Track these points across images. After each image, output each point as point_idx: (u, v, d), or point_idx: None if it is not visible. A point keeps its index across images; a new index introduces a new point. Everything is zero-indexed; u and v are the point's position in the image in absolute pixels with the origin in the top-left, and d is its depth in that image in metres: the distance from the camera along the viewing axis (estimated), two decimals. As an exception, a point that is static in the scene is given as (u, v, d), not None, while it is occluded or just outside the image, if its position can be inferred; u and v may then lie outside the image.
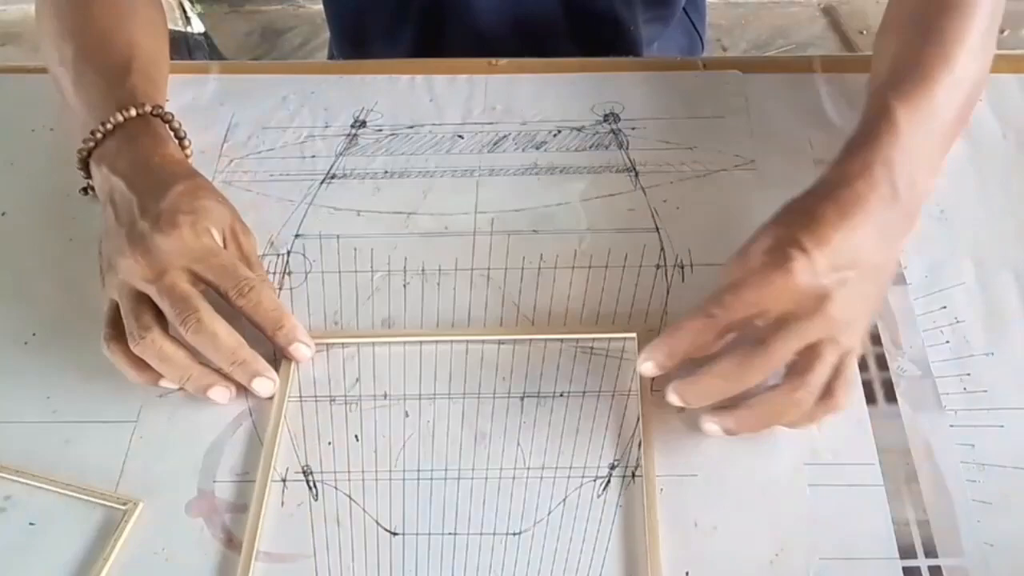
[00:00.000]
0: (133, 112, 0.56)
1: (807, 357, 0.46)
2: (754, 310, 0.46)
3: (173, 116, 0.59)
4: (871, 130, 0.51)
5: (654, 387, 0.52)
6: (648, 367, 0.48)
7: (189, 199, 0.52)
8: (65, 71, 0.61)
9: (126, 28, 0.61)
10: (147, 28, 0.63)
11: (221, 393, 0.51)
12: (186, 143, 0.60)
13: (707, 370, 0.46)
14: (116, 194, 0.54)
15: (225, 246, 0.53)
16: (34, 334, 0.56)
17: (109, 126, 0.56)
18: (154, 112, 0.57)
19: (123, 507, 0.49)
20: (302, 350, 0.53)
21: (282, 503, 0.49)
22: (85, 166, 0.58)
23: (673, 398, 0.48)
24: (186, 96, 0.68)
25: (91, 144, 0.57)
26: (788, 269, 0.46)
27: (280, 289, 0.58)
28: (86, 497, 0.49)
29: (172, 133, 0.59)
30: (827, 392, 0.47)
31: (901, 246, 0.52)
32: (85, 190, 0.62)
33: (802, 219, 0.48)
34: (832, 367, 0.46)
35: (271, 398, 0.52)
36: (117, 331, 0.51)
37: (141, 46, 0.61)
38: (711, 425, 0.48)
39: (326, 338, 0.55)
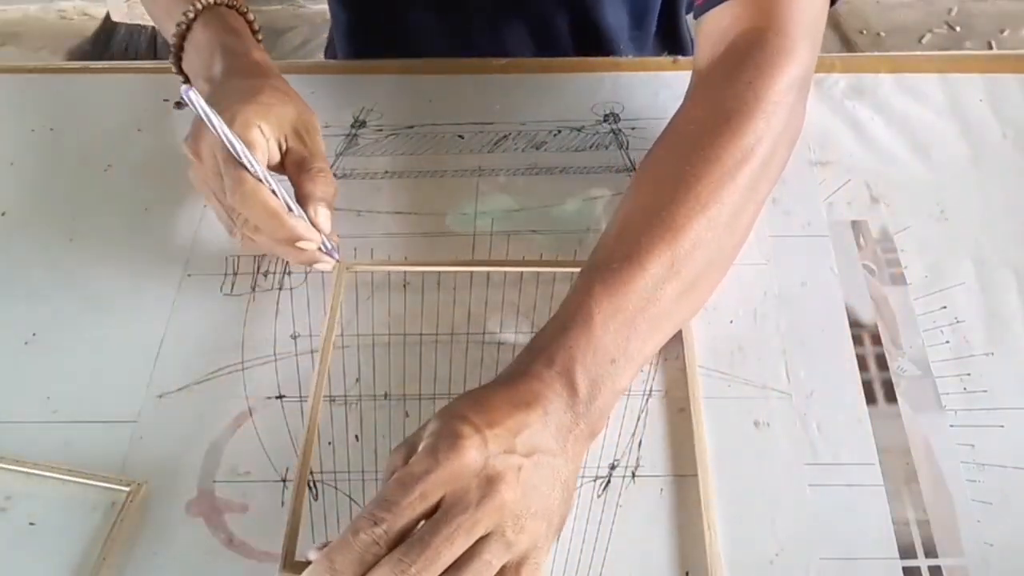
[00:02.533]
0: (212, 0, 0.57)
1: (467, 554, 0.39)
2: (426, 504, 0.39)
3: (247, 8, 0.59)
4: (566, 319, 0.46)
5: (653, 388, 0.53)
6: None
7: (248, 95, 0.52)
8: None
9: None
10: None
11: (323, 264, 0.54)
12: (258, 32, 0.60)
13: None
14: (200, 80, 0.57)
15: (287, 144, 0.53)
16: (34, 334, 0.56)
17: (191, 14, 0.57)
18: (230, 4, 0.58)
19: (127, 488, 0.49)
20: (319, 266, 0.54)
21: (282, 503, 0.49)
22: (178, 61, 0.60)
23: None
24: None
25: (182, 29, 0.58)
26: (458, 446, 0.40)
27: (280, 289, 0.58)
28: (89, 482, 0.49)
29: (247, 24, 0.59)
30: None
31: (580, 453, 0.45)
32: (179, 104, 0.64)
33: (472, 402, 0.43)
34: (491, 568, 0.40)
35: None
36: None
37: None
38: None
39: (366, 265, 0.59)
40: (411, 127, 0.68)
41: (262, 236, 0.52)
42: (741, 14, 0.54)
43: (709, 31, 0.56)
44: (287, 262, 0.59)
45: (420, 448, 0.41)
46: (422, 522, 0.40)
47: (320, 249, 0.53)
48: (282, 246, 0.52)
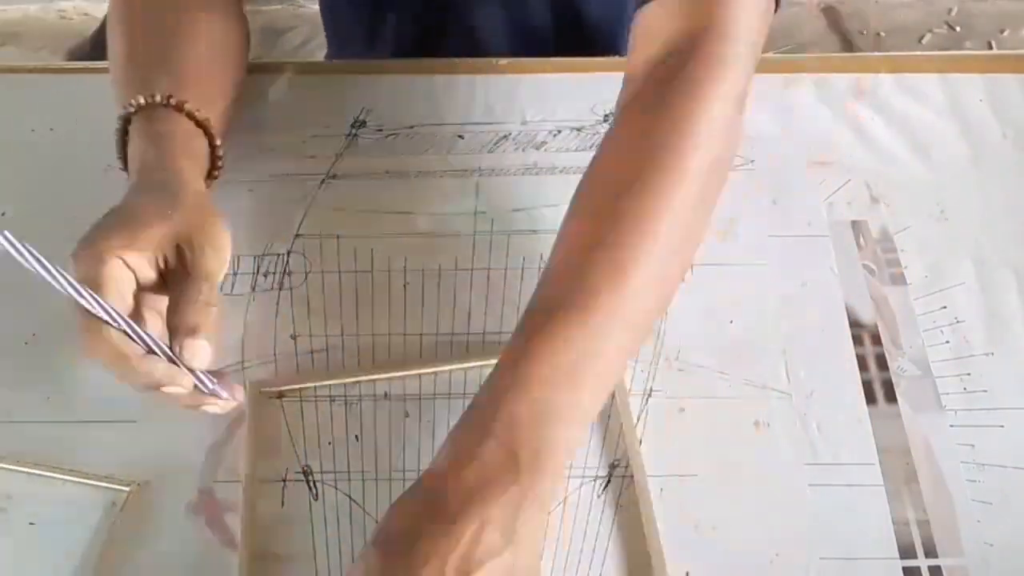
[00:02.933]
0: (142, 100, 0.53)
1: None
2: None
3: (197, 108, 0.54)
4: (503, 380, 0.43)
5: (653, 388, 0.53)
6: None
7: (120, 219, 0.48)
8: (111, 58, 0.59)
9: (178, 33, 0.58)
10: (200, 38, 0.59)
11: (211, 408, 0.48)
12: (212, 131, 0.55)
13: None
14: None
15: (166, 265, 0.47)
16: (34, 334, 0.56)
17: (131, 108, 0.54)
18: (165, 103, 0.53)
19: (127, 488, 0.49)
20: (209, 409, 0.48)
21: (282, 503, 0.49)
22: (123, 148, 0.56)
23: None
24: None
25: (121, 124, 0.55)
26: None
27: (280, 289, 0.58)
28: (89, 482, 0.49)
29: (188, 117, 0.54)
30: None
31: (535, 529, 0.41)
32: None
33: (397, 544, 0.40)
34: None
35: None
36: None
37: (183, 49, 0.58)
38: None
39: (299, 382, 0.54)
40: (411, 127, 0.68)
41: (127, 382, 0.45)
42: (677, 13, 0.50)
43: (643, 29, 0.52)
44: (287, 262, 0.59)
45: None
46: None
47: (202, 390, 0.47)
48: (151, 393, 0.45)
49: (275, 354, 0.55)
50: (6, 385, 0.54)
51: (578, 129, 0.67)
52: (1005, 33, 1.98)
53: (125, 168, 0.55)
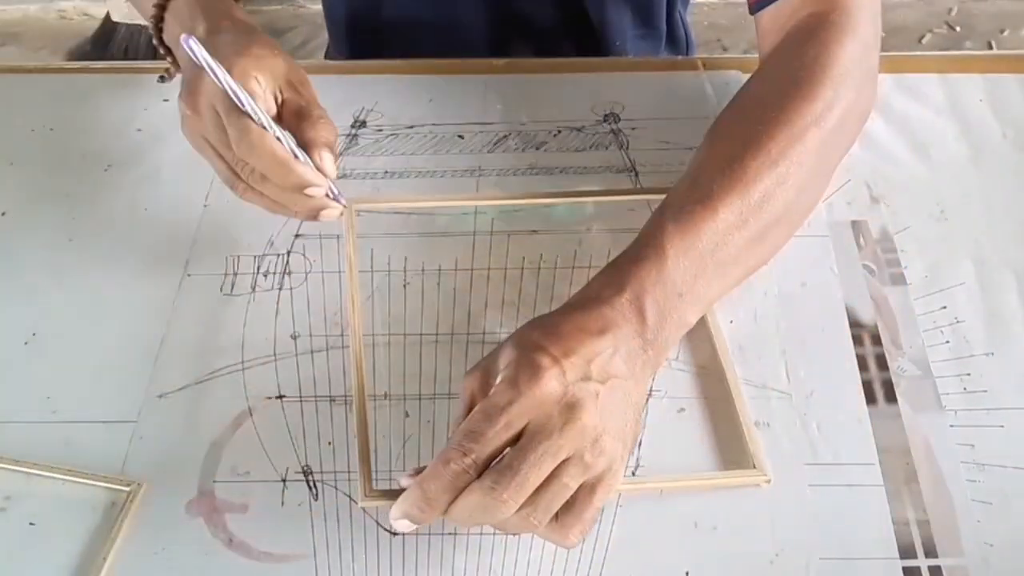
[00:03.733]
0: None
1: (547, 477, 0.42)
2: (511, 432, 0.42)
3: None
4: (639, 251, 0.49)
5: (653, 388, 0.53)
6: (403, 525, 0.43)
7: (239, 49, 0.52)
8: None
9: None
10: None
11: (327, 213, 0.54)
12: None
13: (456, 504, 0.42)
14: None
15: (282, 95, 0.54)
16: (34, 334, 0.56)
17: None
18: None
19: (127, 488, 0.49)
20: (326, 213, 0.54)
21: (282, 503, 0.49)
22: (159, 32, 0.60)
23: (402, 525, 0.43)
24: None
25: (159, 4, 0.58)
26: (538, 376, 0.42)
27: (280, 289, 0.58)
28: (89, 482, 0.49)
29: None
30: (558, 518, 0.43)
31: (647, 378, 0.47)
32: (162, 77, 0.64)
33: (545, 331, 0.45)
34: (568, 490, 0.42)
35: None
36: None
37: None
38: (403, 523, 0.43)
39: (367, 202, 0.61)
40: (411, 127, 0.68)
41: (269, 186, 0.52)
42: (801, 4, 0.57)
43: (769, 26, 0.59)
44: (287, 262, 0.59)
45: (500, 378, 0.43)
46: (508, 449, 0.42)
47: (327, 195, 0.53)
48: (289, 194, 0.52)
49: (275, 354, 0.55)
50: (6, 385, 0.54)
51: (578, 129, 0.67)
52: (1005, 33, 1.98)
53: (162, 44, 0.60)
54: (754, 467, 0.49)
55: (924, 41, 1.98)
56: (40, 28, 2.10)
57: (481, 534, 0.47)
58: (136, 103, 0.70)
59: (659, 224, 0.49)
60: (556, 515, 0.43)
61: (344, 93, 0.70)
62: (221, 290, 0.58)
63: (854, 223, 0.61)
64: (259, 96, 0.52)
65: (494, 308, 0.56)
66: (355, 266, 0.58)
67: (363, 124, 0.68)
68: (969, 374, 0.53)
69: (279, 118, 0.53)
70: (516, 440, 0.42)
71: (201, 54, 0.47)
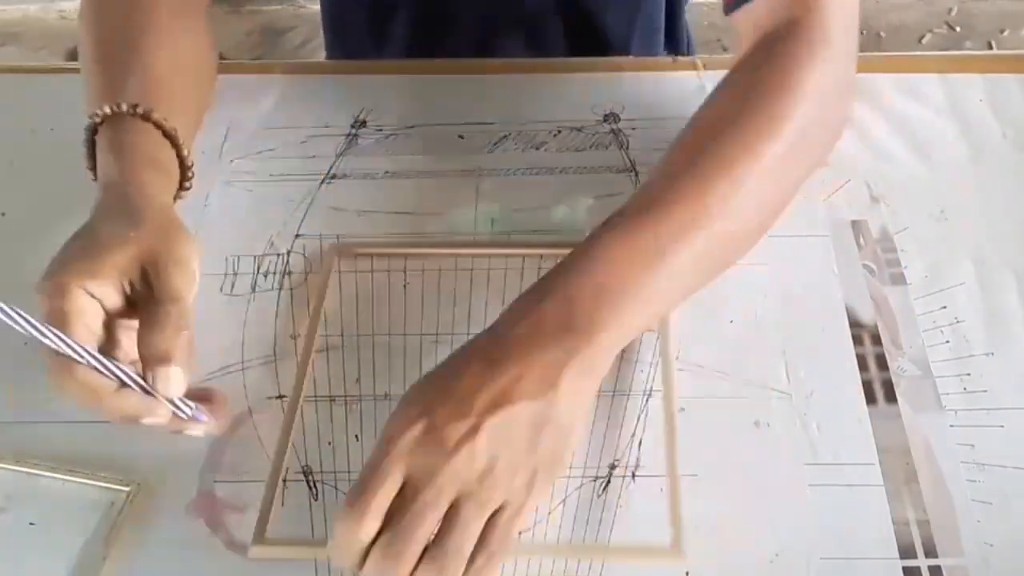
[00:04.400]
0: (108, 110, 0.52)
1: (445, 521, 0.41)
2: (393, 484, 0.41)
3: (164, 119, 0.53)
4: (568, 262, 0.47)
5: (653, 388, 0.53)
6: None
7: (85, 243, 0.48)
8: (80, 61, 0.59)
9: (142, 37, 0.58)
10: (165, 42, 0.58)
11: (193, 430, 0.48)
12: (179, 142, 0.54)
13: (363, 570, 0.41)
14: None
15: (132, 289, 0.46)
16: (34, 334, 0.56)
17: (97, 119, 0.53)
18: (132, 112, 0.53)
19: (127, 488, 0.49)
20: (191, 432, 0.48)
21: (282, 503, 0.49)
22: (92, 159, 0.55)
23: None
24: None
25: (88, 135, 0.54)
26: (405, 425, 0.42)
27: (280, 289, 0.58)
28: (89, 482, 0.49)
29: (156, 127, 0.53)
30: (476, 560, 0.42)
31: (581, 388, 0.44)
32: None
33: (423, 380, 0.44)
34: (472, 529, 0.41)
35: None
36: None
37: (150, 55, 0.57)
38: None
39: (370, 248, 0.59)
40: (411, 127, 0.68)
41: (108, 417, 0.45)
42: (776, 6, 0.54)
43: (743, 28, 0.56)
44: (287, 262, 0.59)
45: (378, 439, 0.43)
46: None
47: (181, 416, 0.46)
48: (131, 424, 0.45)
49: (275, 354, 0.55)
50: (6, 385, 0.54)
51: (578, 129, 0.67)
52: (1005, 33, 1.98)
53: (95, 177, 0.54)
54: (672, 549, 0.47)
55: (924, 41, 1.98)
56: (40, 28, 2.10)
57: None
58: (136, 103, 0.70)
59: (594, 235, 0.48)
60: (473, 556, 0.41)
61: (344, 93, 0.70)
62: (221, 290, 0.58)
63: (854, 223, 0.61)
64: (81, 312, 0.44)
65: (494, 308, 0.56)
66: (318, 312, 0.56)
67: (363, 124, 0.68)
68: (969, 374, 0.53)
69: (131, 313, 0.46)
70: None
71: (7, 319, 0.42)
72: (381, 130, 0.68)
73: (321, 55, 1.00)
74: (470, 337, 0.46)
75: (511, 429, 0.42)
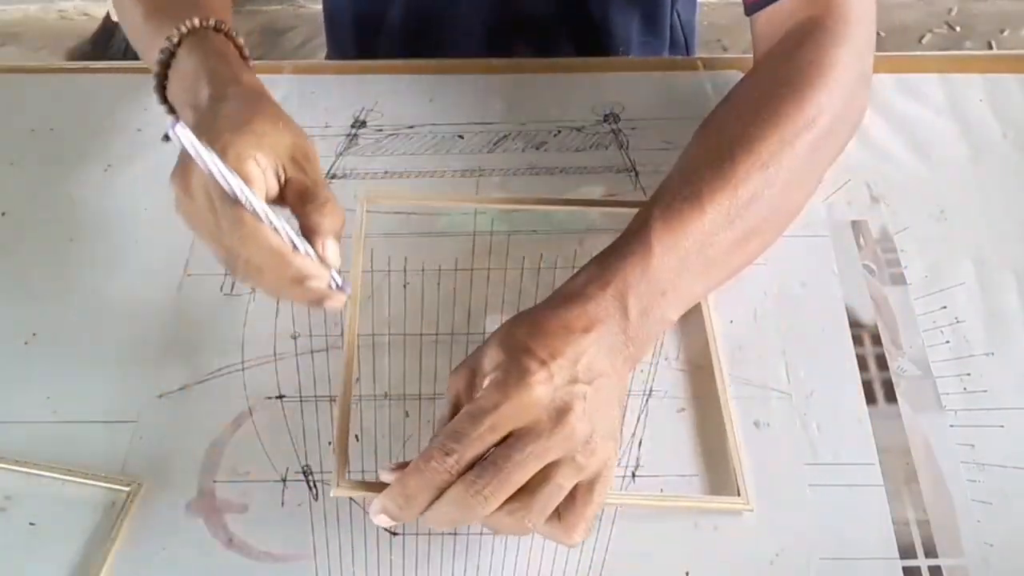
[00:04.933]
0: (197, 22, 0.53)
1: (538, 478, 0.42)
2: (496, 435, 0.42)
3: (236, 32, 0.56)
4: (625, 246, 0.49)
5: (653, 388, 0.53)
6: (382, 520, 0.43)
7: (239, 123, 0.48)
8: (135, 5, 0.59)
9: None
10: None
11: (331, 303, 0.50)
12: (247, 57, 0.56)
13: (436, 503, 0.42)
14: (187, 109, 0.53)
15: (286, 174, 0.49)
16: (34, 334, 0.56)
17: (175, 39, 0.53)
18: (217, 27, 0.54)
19: (127, 488, 0.49)
20: (330, 304, 0.49)
21: (282, 503, 0.49)
22: (162, 90, 0.56)
23: (382, 520, 0.43)
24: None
25: (165, 56, 0.54)
26: (527, 382, 0.42)
27: (280, 289, 0.58)
28: (89, 482, 0.49)
29: (236, 48, 0.55)
30: (560, 518, 0.43)
31: (627, 374, 0.48)
32: (167, 136, 0.61)
33: (531, 330, 0.45)
34: (563, 491, 0.42)
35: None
36: None
37: None
38: (382, 518, 0.43)
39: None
40: (411, 127, 0.68)
41: (267, 276, 0.48)
42: (797, 7, 0.57)
43: (765, 28, 0.59)
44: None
45: (487, 381, 0.44)
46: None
47: (330, 286, 0.49)
48: (289, 286, 0.48)
49: (275, 354, 0.55)
50: (6, 385, 0.54)
51: (578, 129, 0.67)
52: (1005, 33, 1.98)
53: (165, 102, 0.56)
54: (738, 494, 0.48)
55: (924, 41, 1.98)
56: (40, 28, 2.10)
57: (481, 534, 0.47)
58: (136, 103, 0.70)
59: (647, 220, 0.49)
60: (559, 515, 0.43)
61: (344, 93, 0.70)
62: (221, 290, 0.58)
63: (854, 223, 0.61)
64: (257, 180, 0.47)
65: (494, 308, 0.56)
66: (359, 265, 0.58)
67: (363, 124, 0.68)
68: (969, 374, 0.53)
69: (282, 199, 0.49)
70: (502, 444, 0.42)
71: (190, 141, 0.42)
72: (381, 130, 0.68)
73: (321, 55, 1.00)
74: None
75: (603, 400, 0.44)
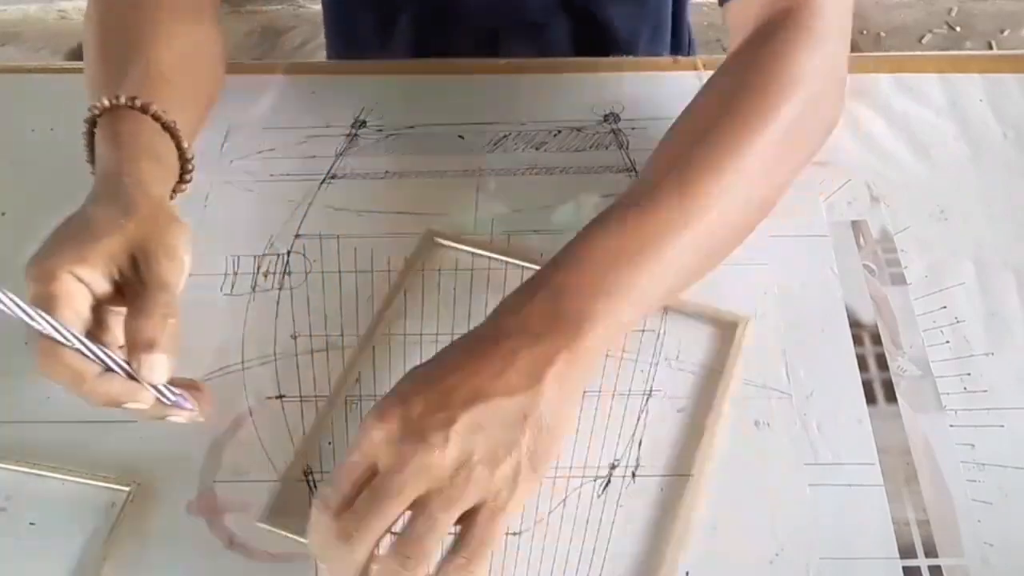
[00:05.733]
0: (107, 102, 0.53)
1: (412, 514, 0.40)
2: (356, 476, 0.41)
3: (163, 112, 0.53)
4: (557, 258, 0.47)
5: (653, 388, 0.53)
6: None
7: (76, 230, 0.47)
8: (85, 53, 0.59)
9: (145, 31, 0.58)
10: (170, 39, 0.58)
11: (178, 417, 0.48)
12: (179, 134, 0.54)
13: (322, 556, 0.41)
14: None
15: (121, 276, 0.47)
16: (34, 334, 0.56)
17: (97, 111, 0.53)
18: (140, 106, 0.53)
19: (127, 488, 0.49)
20: (175, 418, 0.48)
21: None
22: (91, 151, 0.56)
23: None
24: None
25: (89, 124, 0.55)
26: (369, 421, 0.41)
27: (280, 289, 0.58)
28: (89, 482, 0.49)
29: (154, 120, 0.53)
30: (457, 553, 0.41)
31: (568, 385, 0.43)
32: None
33: (409, 374, 0.44)
34: (440, 523, 0.40)
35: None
36: None
37: (152, 50, 0.57)
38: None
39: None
40: (411, 127, 0.68)
41: (90, 400, 0.45)
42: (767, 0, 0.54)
43: (737, 19, 0.57)
44: (287, 262, 0.59)
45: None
46: None
47: (164, 401, 0.47)
48: (114, 408, 0.45)
49: (275, 354, 0.55)
50: (6, 385, 0.54)
51: (578, 129, 0.67)
52: (1005, 33, 1.98)
53: (94, 171, 0.54)
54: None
55: (924, 41, 1.98)
56: (40, 28, 2.10)
57: (481, 534, 0.47)
58: (136, 103, 0.70)
59: (583, 233, 0.48)
60: (457, 549, 0.41)
61: (344, 93, 0.70)
62: (221, 290, 0.58)
63: (854, 223, 0.61)
64: (66, 296, 0.45)
65: (494, 308, 0.56)
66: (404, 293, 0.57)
67: (363, 124, 0.68)
68: (969, 374, 0.53)
69: (120, 299, 0.47)
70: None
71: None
72: (381, 130, 0.68)
73: (321, 55, 1.00)
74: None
75: (490, 424, 0.41)
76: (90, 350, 0.44)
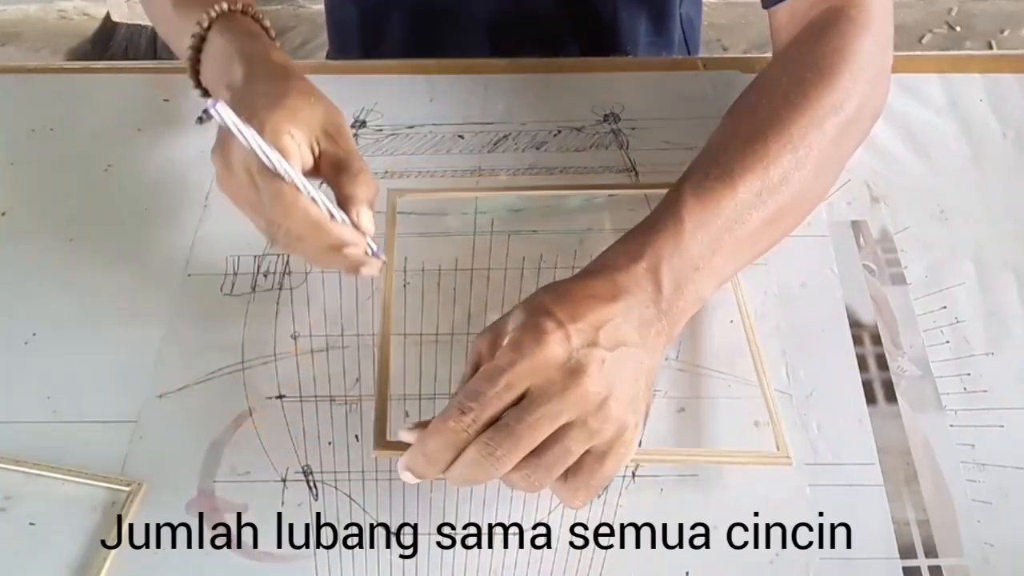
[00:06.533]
0: (225, 6, 0.56)
1: (551, 439, 0.42)
2: (511, 394, 0.42)
3: (263, 14, 0.58)
4: (657, 221, 0.49)
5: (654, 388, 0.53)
6: (408, 477, 0.44)
7: (273, 100, 0.50)
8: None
9: None
10: None
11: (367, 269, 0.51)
12: (274, 38, 0.58)
13: (455, 462, 0.42)
14: (222, 89, 0.54)
15: (319, 147, 0.51)
16: (34, 334, 0.56)
17: (205, 23, 0.56)
18: (243, 10, 0.57)
19: (127, 488, 0.49)
20: (367, 270, 0.51)
21: (282, 503, 0.49)
22: (196, 74, 0.59)
23: (407, 477, 0.43)
24: (187, 96, 0.68)
25: (197, 40, 0.57)
26: (542, 341, 0.42)
27: (280, 289, 0.58)
28: (89, 482, 0.49)
29: (263, 29, 0.58)
30: (566, 479, 0.43)
31: (660, 348, 0.47)
32: (200, 119, 0.63)
33: (555, 296, 0.45)
34: (571, 455, 0.42)
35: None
36: None
37: None
38: (407, 475, 0.44)
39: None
40: (411, 127, 0.68)
41: (306, 244, 0.49)
42: (817, 1, 0.58)
43: (786, 21, 0.60)
44: (287, 262, 0.59)
45: (505, 341, 0.44)
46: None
47: (366, 252, 0.51)
48: (327, 253, 0.50)
49: (275, 354, 0.55)
50: (6, 385, 0.54)
51: (578, 129, 0.67)
52: (1005, 33, 1.98)
53: (198, 86, 0.59)
54: (777, 448, 0.49)
55: (924, 41, 1.98)
56: (40, 28, 2.10)
57: (479, 534, 0.47)
58: (136, 103, 0.70)
59: (679, 196, 0.50)
60: (566, 476, 0.43)
61: (344, 93, 0.69)
62: (221, 290, 0.58)
63: (854, 223, 0.61)
64: (293, 153, 0.49)
65: (494, 308, 0.56)
66: (393, 250, 0.59)
67: (363, 124, 0.68)
68: (969, 374, 0.53)
69: (316, 170, 0.51)
70: (518, 402, 0.42)
71: (229, 118, 0.44)
72: (381, 130, 0.68)
73: (321, 55, 1.00)
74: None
75: (626, 368, 0.44)
76: (322, 201, 0.49)
